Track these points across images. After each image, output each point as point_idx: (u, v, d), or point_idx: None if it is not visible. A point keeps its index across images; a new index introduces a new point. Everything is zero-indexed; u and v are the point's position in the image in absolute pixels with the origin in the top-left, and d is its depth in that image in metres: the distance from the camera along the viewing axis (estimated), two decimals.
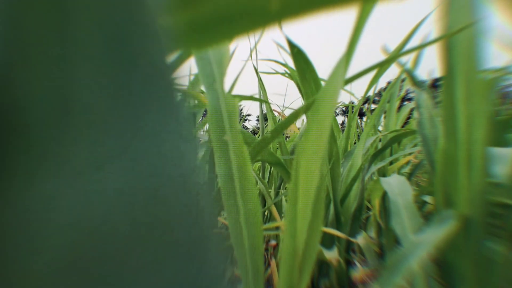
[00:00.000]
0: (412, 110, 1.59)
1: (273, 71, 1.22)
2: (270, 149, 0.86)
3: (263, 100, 0.80)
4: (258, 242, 0.39)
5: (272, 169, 1.17)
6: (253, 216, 0.40)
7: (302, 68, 0.79)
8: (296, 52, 0.75)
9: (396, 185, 0.64)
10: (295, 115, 0.43)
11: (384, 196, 0.95)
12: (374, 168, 1.05)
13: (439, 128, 0.73)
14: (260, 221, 0.40)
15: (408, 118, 1.54)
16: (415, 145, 1.26)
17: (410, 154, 1.17)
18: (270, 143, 0.54)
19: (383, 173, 1.16)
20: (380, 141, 1.25)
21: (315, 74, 0.78)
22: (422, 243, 0.41)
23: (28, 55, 0.06)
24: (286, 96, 1.59)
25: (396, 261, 0.40)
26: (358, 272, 0.91)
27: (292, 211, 0.36)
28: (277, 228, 0.99)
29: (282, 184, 1.17)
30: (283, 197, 1.05)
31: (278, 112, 1.56)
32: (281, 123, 0.49)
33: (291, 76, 1.13)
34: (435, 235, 0.41)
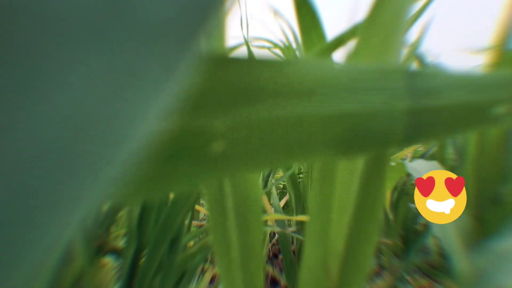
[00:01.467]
0: None
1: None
2: None
3: None
4: (255, 249, 0.23)
5: None
6: (249, 202, 0.23)
7: (307, 26, 0.63)
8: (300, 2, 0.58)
9: (427, 172, 0.50)
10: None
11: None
12: None
13: None
14: (260, 212, 0.24)
15: None
16: None
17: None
18: None
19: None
20: None
21: (322, 33, 0.62)
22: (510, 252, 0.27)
23: None
24: None
25: (476, 279, 0.25)
26: None
27: (324, 196, 0.19)
28: (266, 222, 0.84)
29: (272, 172, 1.01)
30: (274, 187, 0.90)
31: None
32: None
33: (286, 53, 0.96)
34: None
